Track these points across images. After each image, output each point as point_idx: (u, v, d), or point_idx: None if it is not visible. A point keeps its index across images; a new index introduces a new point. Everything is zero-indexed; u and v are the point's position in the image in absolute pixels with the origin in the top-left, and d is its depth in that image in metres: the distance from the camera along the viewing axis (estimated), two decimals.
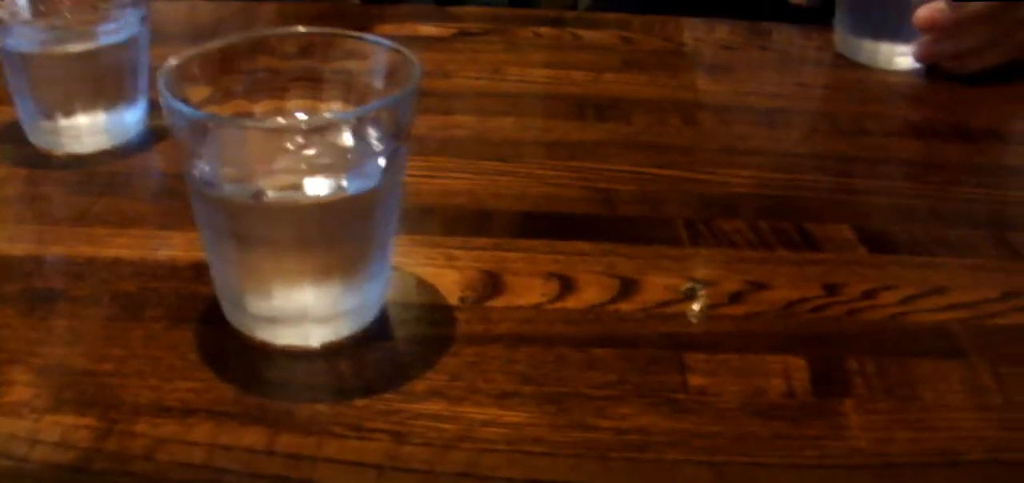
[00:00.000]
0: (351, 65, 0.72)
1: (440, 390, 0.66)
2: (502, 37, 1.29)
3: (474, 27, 1.31)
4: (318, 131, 0.66)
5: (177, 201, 0.85)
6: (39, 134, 0.96)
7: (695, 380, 0.68)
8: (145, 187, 0.92)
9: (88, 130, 0.96)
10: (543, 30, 1.31)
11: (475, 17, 1.35)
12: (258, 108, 0.71)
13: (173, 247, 0.80)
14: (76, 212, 0.86)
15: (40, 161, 0.95)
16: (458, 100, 1.11)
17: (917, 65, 1.21)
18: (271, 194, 0.66)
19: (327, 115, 0.71)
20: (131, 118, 0.98)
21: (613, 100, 1.11)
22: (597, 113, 1.07)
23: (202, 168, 0.65)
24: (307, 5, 1.42)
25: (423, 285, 0.77)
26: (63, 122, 0.95)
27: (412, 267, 0.78)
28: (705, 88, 1.18)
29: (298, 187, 0.66)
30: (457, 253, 0.81)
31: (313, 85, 0.72)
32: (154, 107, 0.99)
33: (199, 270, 0.76)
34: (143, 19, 0.96)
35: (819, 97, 1.16)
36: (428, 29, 1.31)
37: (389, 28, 1.30)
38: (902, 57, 1.22)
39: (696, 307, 0.75)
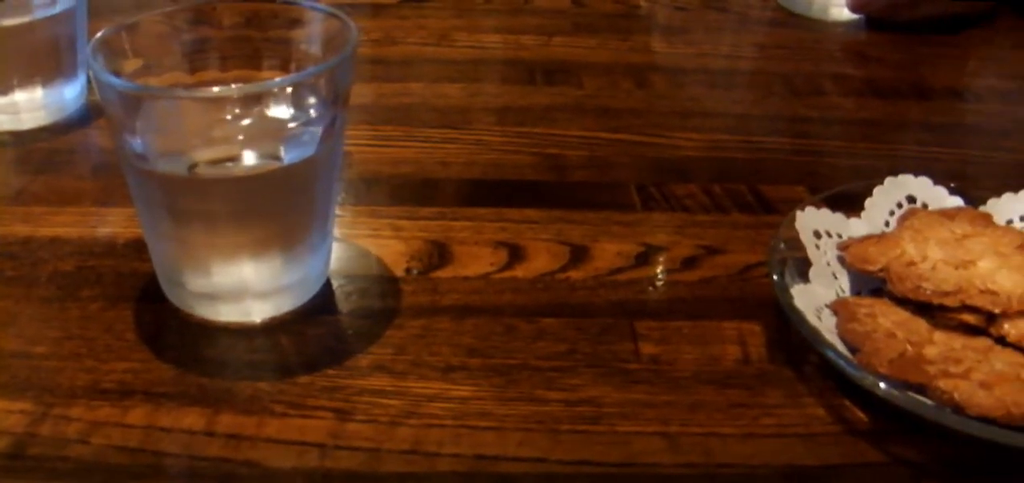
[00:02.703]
0: (289, 33, 0.70)
1: (385, 364, 0.65)
2: (451, 2, 1.27)
3: None
4: (253, 100, 0.64)
5: (118, 177, 0.82)
6: None
7: (648, 348, 0.66)
8: (85, 163, 0.90)
9: (26, 106, 0.94)
10: None
11: None
12: (194, 80, 0.70)
13: (113, 224, 0.79)
14: (13, 191, 0.84)
15: None
16: (406, 67, 1.09)
17: (852, 16, 1.21)
18: (205, 167, 0.64)
19: (261, 84, 0.68)
20: (70, 93, 0.96)
21: (563, 64, 1.10)
22: (547, 78, 1.06)
23: (135, 142, 0.63)
24: None
25: (368, 257, 0.75)
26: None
27: (357, 238, 0.77)
28: (657, 50, 1.17)
29: (235, 158, 0.64)
30: (403, 223, 0.79)
31: (251, 55, 0.71)
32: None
33: (139, 246, 0.74)
34: None
35: (774, 57, 1.14)
36: None
37: None
38: (837, 8, 1.22)
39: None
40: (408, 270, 0.73)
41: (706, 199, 0.83)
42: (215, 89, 0.63)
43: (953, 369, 0.60)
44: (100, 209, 0.81)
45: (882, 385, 0.59)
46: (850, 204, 0.75)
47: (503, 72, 1.08)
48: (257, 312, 0.68)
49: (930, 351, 0.62)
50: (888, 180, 0.76)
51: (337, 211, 0.75)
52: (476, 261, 0.74)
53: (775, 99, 1.03)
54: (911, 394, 0.59)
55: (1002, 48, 1.21)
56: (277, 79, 0.68)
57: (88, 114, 0.97)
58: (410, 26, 1.20)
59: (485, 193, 0.83)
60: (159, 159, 0.64)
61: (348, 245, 0.76)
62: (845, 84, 1.07)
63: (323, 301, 0.70)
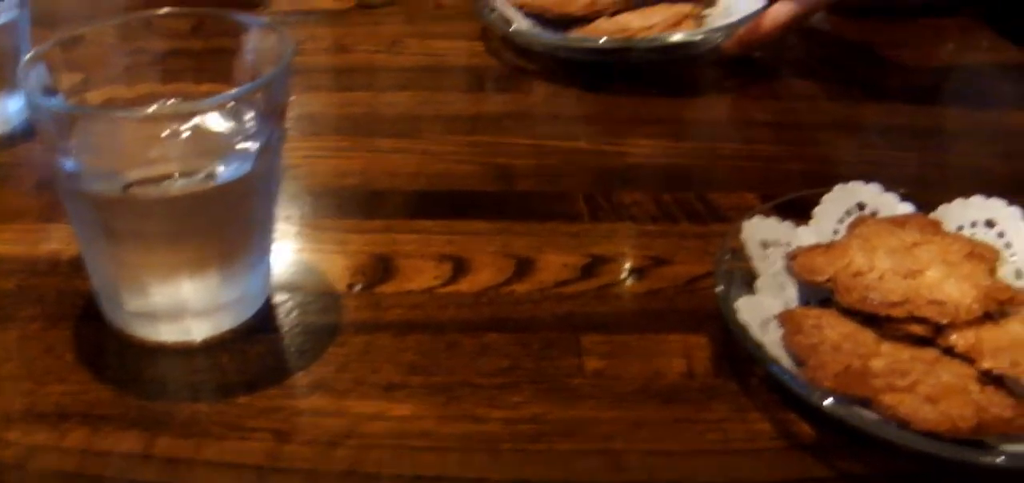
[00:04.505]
0: (227, 44, 0.69)
1: (325, 383, 0.64)
2: (403, 9, 1.26)
3: None
4: (187, 118, 0.63)
5: None
6: None
7: (592, 363, 0.66)
8: (29, 179, 0.88)
9: None
10: (445, 0, 1.28)
11: None
12: (133, 94, 0.69)
13: (56, 241, 0.77)
14: None
15: None
16: (355, 75, 1.09)
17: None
18: (140, 187, 0.63)
19: (194, 103, 0.67)
20: (13, 107, 0.95)
21: (513, 71, 1.09)
22: (497, 85, 1.06)
23: (68, 163, 0.62)
24: None
25: (311, 272, 0.74)
26: None
27: (300, 253, 0.76)
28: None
29: (170, 177, 0.63)
30: (348, 236, 0.78)
31: (190, 69, 0.70)
32: None
33: (82, 265, 0.72)
34: (21, 3, 0.92)
35: (727, 62, 1.13)
36: (327, 2, 1.27)
37: (286, 2, 1.27)
38: None
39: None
40: (350, 286, 0.73)
41: (655, 208, 0.82)
42: (150, 109, 0.62)
43: (899, 382, 0.59)
44: (44, 226, 0.80)
45: (827, 401, 0.58)
46: (800, 212, 0.74)
47: (453, 80, 1.07)
48: (197, 331, 0.67)
49: (877, 363, 0.61)
50: (837, 187, 0.76)
51: (280, 225, 0.74)
52: (420, 275, 0.74)
53: (727, 104, 1.03)
54: (856, 409, 0.58)
55: (955, 52, 1.20)
56: (209, 98, 0.66)
57: (32, 128, 0.95)
58: (361, 33, 1.18)
59: (432, 204, 0.83)
60: (93, 179, 0.63)
61: (291, 260, 0.75)
62: (798, 88, 1.06)
63: (264, 318, 0.69)
